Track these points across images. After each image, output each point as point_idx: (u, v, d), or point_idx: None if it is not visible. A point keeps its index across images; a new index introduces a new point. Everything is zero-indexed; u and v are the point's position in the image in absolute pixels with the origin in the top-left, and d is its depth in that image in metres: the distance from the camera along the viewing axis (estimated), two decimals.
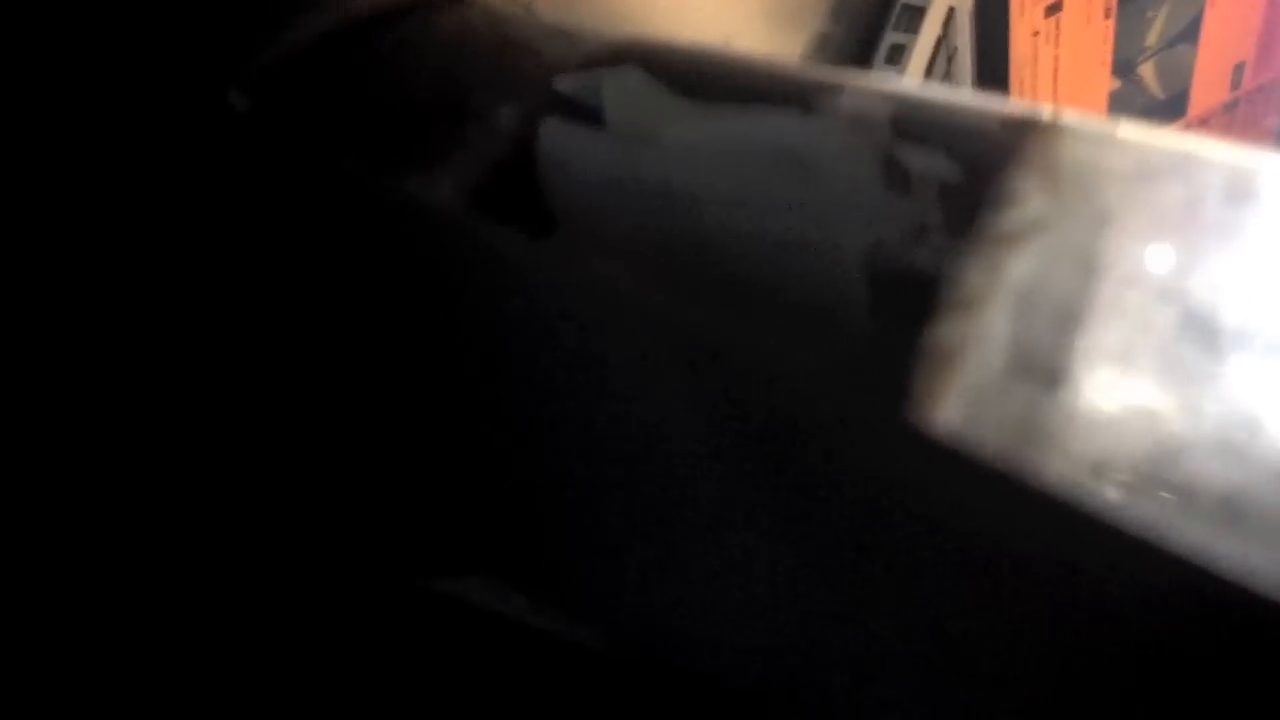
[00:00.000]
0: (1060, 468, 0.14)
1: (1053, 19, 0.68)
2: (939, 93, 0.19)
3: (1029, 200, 0.16)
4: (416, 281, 0.16)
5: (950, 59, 0.62)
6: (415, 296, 0.16)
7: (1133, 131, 0.17)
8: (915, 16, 0.58)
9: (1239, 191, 0.16)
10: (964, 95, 0.18)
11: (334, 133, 0.17)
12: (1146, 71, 0.76)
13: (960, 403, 0.14)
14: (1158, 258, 0.15)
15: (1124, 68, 0.75)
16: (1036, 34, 0.68)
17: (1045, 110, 0.18)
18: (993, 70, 0.67)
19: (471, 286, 0.16)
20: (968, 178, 0.17)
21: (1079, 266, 0.15)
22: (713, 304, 0.16)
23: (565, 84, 0.19)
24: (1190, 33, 0.74)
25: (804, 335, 0.16)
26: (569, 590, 0.17)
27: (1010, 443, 0.14)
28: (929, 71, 0.59)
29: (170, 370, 0.17)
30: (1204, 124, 0.82)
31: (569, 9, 0.39)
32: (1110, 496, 0.14)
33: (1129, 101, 0.77)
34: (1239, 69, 0.79)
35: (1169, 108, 0.79)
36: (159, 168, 0.17)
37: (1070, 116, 0.18)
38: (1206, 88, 0.79)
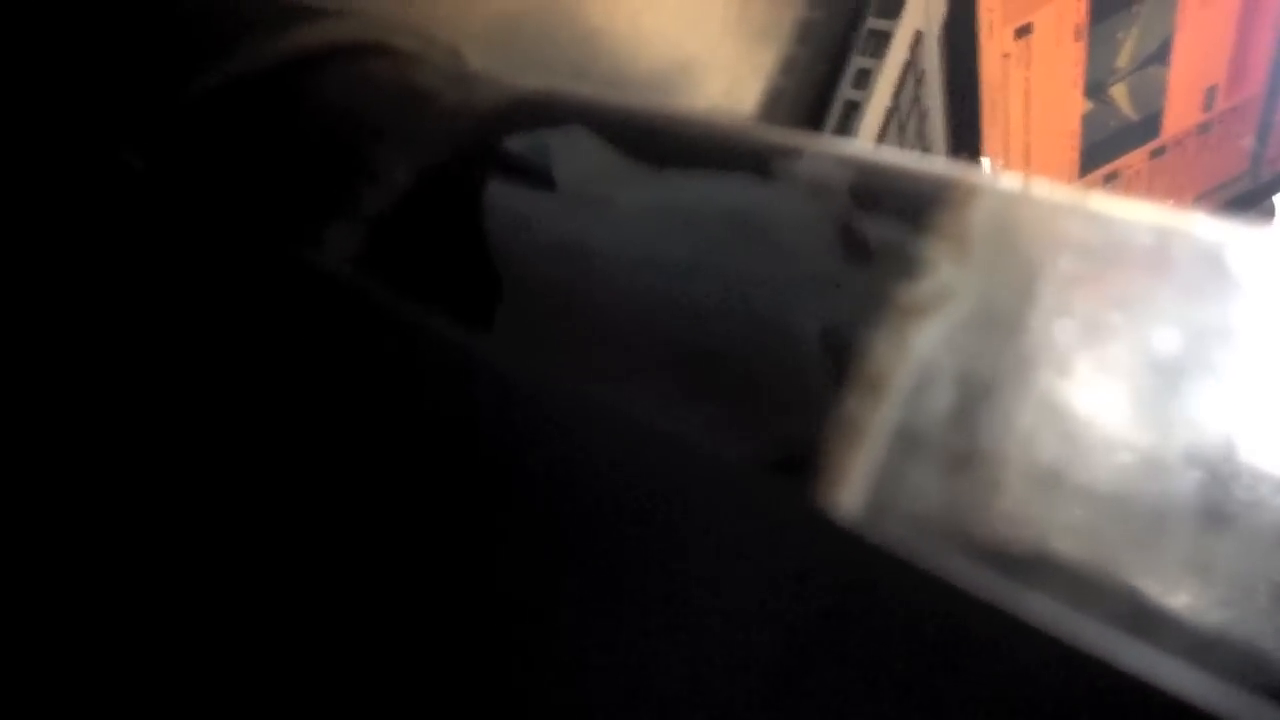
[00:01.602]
0: (960, 557, 0.13)
1: (1023, 41, 0.68)
2: (900, 157, 0.18)
3: (940, 268, 0.15)
4: (316, 350, 0.16)
5: (919, 83, 0.62)
6: (311, 371, 0.16)
7: (1076, 199, 0.17)
8: (882, 40, 0.58)
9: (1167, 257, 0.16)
10: (926, 160, 0.18)
11: (226, 190, 0.16)
12: (1119, 93, 0.76)
13: (864, 485, 0.14)
14: (1070, 327, 0.15)
15: (1096, 89, 0.75)
16: (1007, 56, 0.68)
17: (1008, 176, 0.17)
18: (963, 94, 0.67)
19: (378, 364, 0.16)
20: (919, 246, 0.16)
21: (988, 336, 0.15)
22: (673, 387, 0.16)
23: (514, 144, 0.18)
24: (1162, 54, 0.74)
25: (759, 416, 0.15)
26: None
27: (916, 529, 0.13)
28: (897, 95, 0.59)
29: (53, 443, 0.17)
30: (1178, 145, 0.82)
31: (529, 39, 0.38)
32: (1009, 586, 0.13)
33: (1102, 123, 0.77)
34: (1211, 90, 0.79)
35: (1142, 129, 0.79)
36: (50, 230, 0.16)
37: (1030, 182, 0.17)
38: (1179, 109, 0.79)
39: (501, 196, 0.17)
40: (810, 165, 0.17)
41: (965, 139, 0.69)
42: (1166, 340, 0.15)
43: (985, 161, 0.70)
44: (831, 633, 0.14)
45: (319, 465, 0.16)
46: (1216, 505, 0.14)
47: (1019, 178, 0.17)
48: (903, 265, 0.16)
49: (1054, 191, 0.16)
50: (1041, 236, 0.16)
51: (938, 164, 0.18)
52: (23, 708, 0.16)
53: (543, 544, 0.15)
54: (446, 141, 0.18)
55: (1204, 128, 0.82)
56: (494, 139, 0.18)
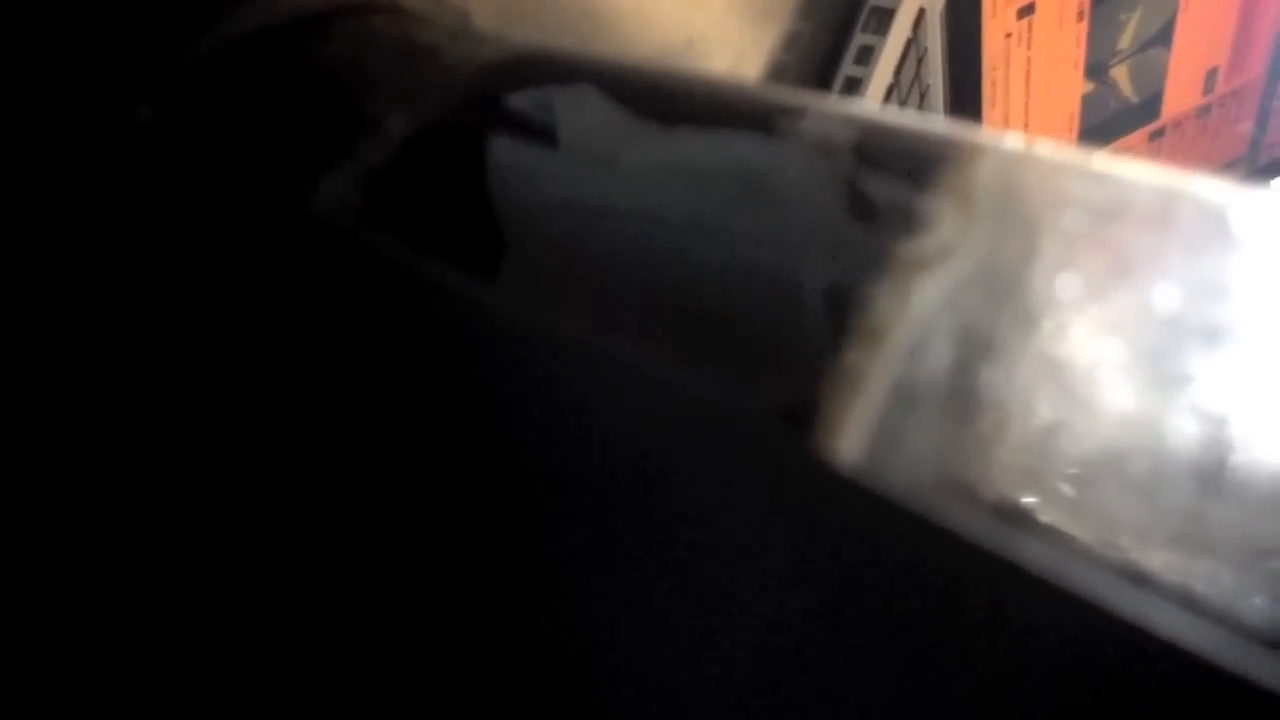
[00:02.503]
0: (968, 506, 0.14)
1: (1025, 21, 0.68)
2: (905, 118, 0.18)
3: (943, 225, 0.15)
4: (313, 299, 0.16)
5: (920, 61, 0.62)
6: (312, 317, 0.16)
7: (1079, 158, 0.17)
8: (885, 18, 0.58)
9: (1167, 217, 0.16)
10: (932, 120, 0.18)
11: (231, 144, 0.16)
12: (1119, 74, 0.76)
13: (865, 436, 0.14)
14: (1071, 284, 0.15)
15: (1097, 70, 0.75)
16: (1009, 36, 0.68)
17: (1011, 136, 0.17)
18: (964, 73, 0.67)
19: (373, 311, 0.16)
20: (922, 203, 0.16)
21: (990, 292, 0.15)
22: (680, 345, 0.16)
23: (517, 101, 0.18)
24: (1164, 36, 0.75)
25: (763, 372, 0.15)
26: None
27: (916, 479, 0.14)
28: (898, 72, 0.59)
29: (62, 393, 0.17)
30: (1177, 128, 0.82)
31: (534, 15, 0.38)
32: (1019, 537, 0.14)
33: (1101, 104, 0.77)
34: (1212, 73, 0.79)
35: (1142, 111, 0.79)
36: (63, 180, 0.17)
37: (1033, 142, 0.17)
38: (1179, 92, 0.79)
39: (506, 153, 0.18)
40: (816, 124, 0.17)
41: (966, 117, 0.69)
42: (1168, 299, 0.15)
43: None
44: (833, 579, 0.14)
45: (317, 412, 0.16)
46: (1213, 466, 0.14)
47: (1022, 138, 0.17)
48: (906, 222, 0.16)
49: (1057, 151, 0.17)
50: (1044, 194, 0.16)
51: (942, 124, 0.18)
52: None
53: (544, 497, 0.15)
54: (445, 94, 0.18)
55: (1204, 111, 0.82)
56: (494, 92, 0.18)
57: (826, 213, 0.16)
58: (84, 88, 0.17)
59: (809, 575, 0.14)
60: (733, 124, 0.17)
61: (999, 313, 0.15)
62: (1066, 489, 0.14)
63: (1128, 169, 0.17)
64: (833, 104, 0.18)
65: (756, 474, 0.14)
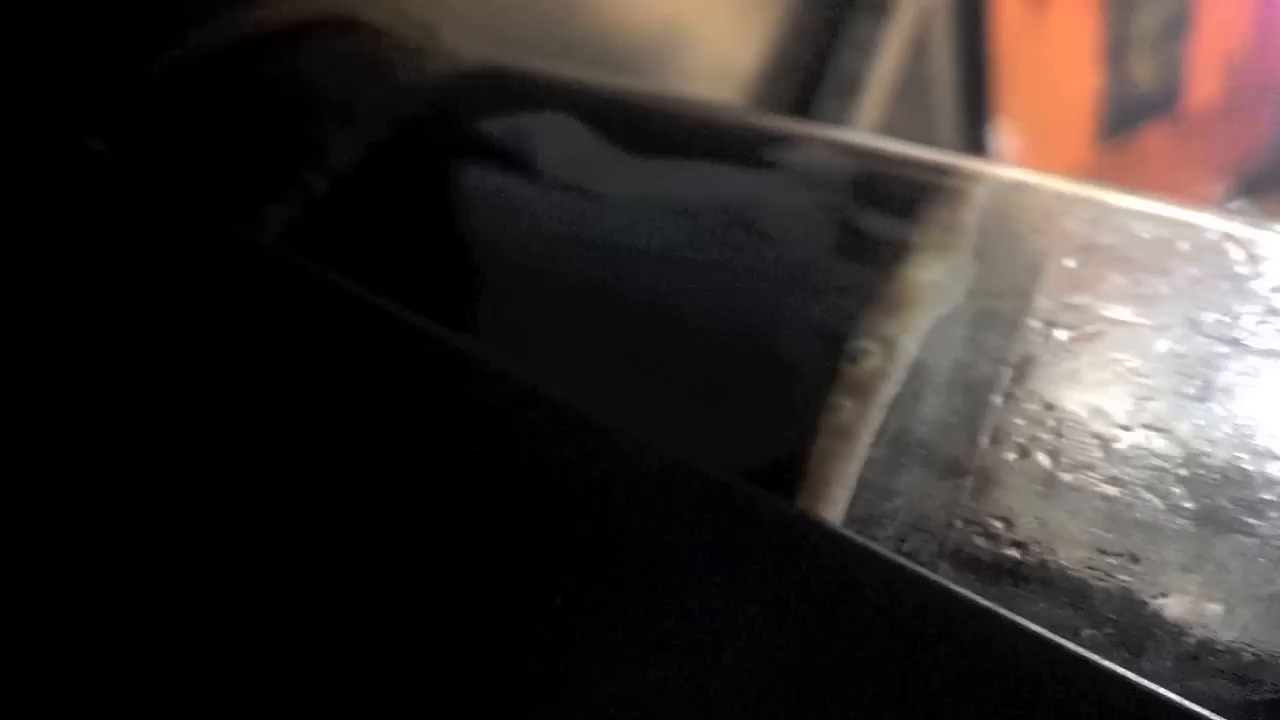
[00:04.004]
0: (952, 563, 0.14)
1: (1039, 8, 0.68)
2: (899, 146, 0.18)
3: (937, 265, 0.15)
4: (260, 331, 0.16)
5: (921, 49, 0.62)
6: (262, 349, 0.16)
7: (1065, 187, 0.17)
8: (882, 7, 0.58)
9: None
10: (925, 149, 0.18)
11: (180, 173, 0.17)
12: (1136, 63, 0.76)
13: (852, 493, 0.14)
14: (1068, 328, 0.15)
15: (1112, 59, 0.75)
16: (1020, 23, 0.68)
17: (1009, 168, 0.18)
18: (972, 63, 0.67)
19: (319, 343, 0.16)
20: (910, 239, 0.16)
21: (984, 336, 0.15)
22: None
23: (486, 126, 0.18)
24: (1182, 24, 0.75)
25: (752, 417, 0.16)
26: None
27: (901, 536, 0.14)
28: (898, 63, 0.59)
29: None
30: (1197, 118, 0.82)
31: (517, 4, 0.38)
32: (999, 591, 0.14)
33: (1117, 95, 0.77)
34: (1232, 62, 0.79)
35: (1159, 101, 0.79)
36: (13, 210, 0.17)
37: (1030, 174, 0.17)
38: (1198, 81, 0.79)
39: (474, 180, 0.18)
40: (804, 153, 0.18)
41: (975, 109, 0.69)
42: (1168, 341, 0.15)
43: (996, 130, 0.70)
44: (821, 639, 0.14)
45: (270, 441, 0.16)
46: (1215, 510, 0.14)
47: (1019, 169, 0.17)
48: (899, 261, 0.16)
49: (1055, 183, 0.17)
50: (1040, 231, 0.16)
51: (937, 153, 0.18)
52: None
53: (516, 558, 0.15)
54: (390, 115, 0.18)
55: (1224, 101, 0.82)
56: (447, 113, 0.18)
57: (815, 248, 0.16)
58: (35, 116, 0.17)
59: (798, 633, 0.14)
60: (717, 153, 0.18)
61: (994, 357, 0.15)
62: (1065, 538, 0.14)
63: (1127, 201, 0.17)
64: (821, 131, 0.18)
65: (742, 534, 0.14)
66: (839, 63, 0.58)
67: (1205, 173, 0.87)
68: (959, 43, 0.67)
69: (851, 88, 0.57)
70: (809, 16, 0.57)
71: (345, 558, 0.16)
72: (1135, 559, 0.14)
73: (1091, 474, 0.14)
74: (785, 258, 0.17)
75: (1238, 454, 0.14)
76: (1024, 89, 0.73)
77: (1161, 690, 0.13)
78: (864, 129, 0.55)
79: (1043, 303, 0.15)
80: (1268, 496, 0.14)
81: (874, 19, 0.58)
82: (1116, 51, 0.75)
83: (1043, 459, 0.14)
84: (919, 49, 0.62)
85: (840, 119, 0.55)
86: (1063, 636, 0.13)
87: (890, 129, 0.59)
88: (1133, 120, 0.81)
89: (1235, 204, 0.85)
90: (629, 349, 0.16)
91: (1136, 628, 0.14)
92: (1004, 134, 0.71)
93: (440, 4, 0.31)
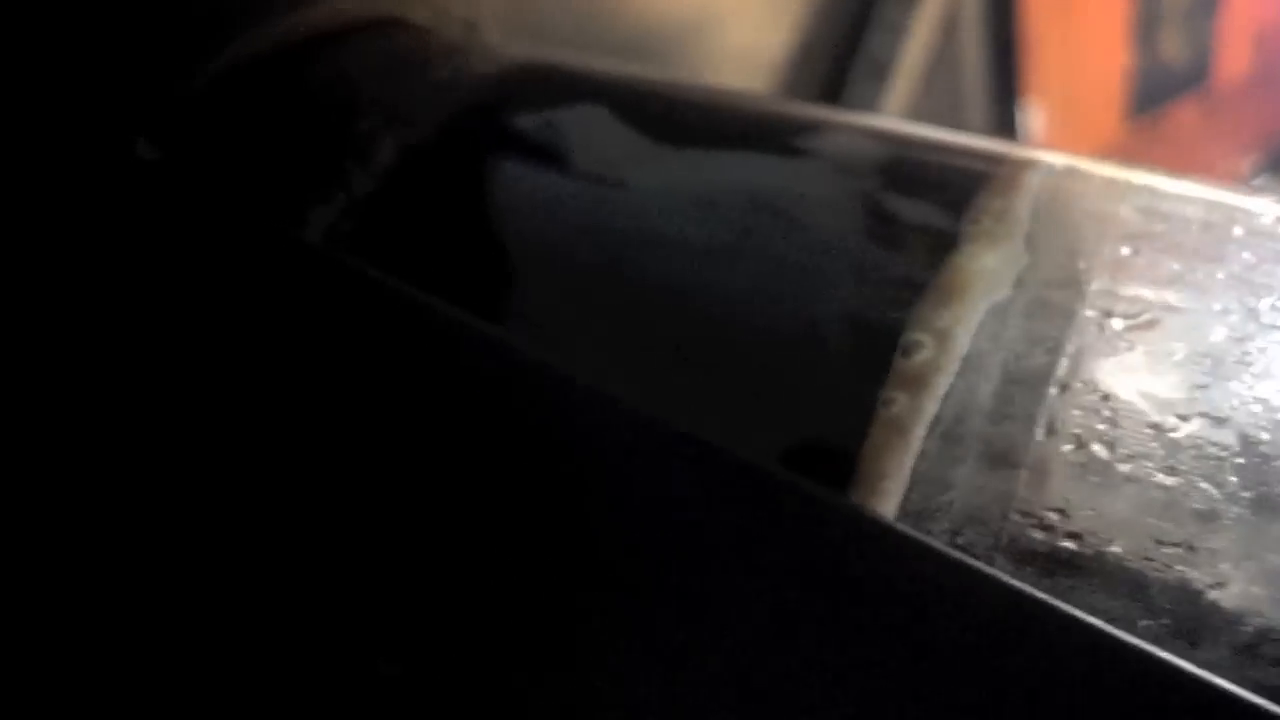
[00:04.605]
0: (1006, 556, 0.14)
1: None
2: (932, 130, 0.18)
3: (981, 252, 0.15)
4: (309, 330, 0.16)
5: (951, 30, 0.61)
6: (311, 348, 0.16)
7: (1117, 173, 0.17)
8: None
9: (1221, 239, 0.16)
10: (960, 133, 0.18)
11: (228, 177, 0.17)
12: (1166, 39, 0.75)
13: (905, 485, 0.14)
14: (1120, 316, 0.15)
15: (1143, 36, 0.74)
16: (1050, 1, 0.67)
17: (1037, 151, 0.17)
18: (1002, 42, 0.66)
19: (368, 342, 0.16)
20: (960, 228, 0.16)
21: (1034, 325, 0.15)
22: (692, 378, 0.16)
23: (521, 121, 0.18)
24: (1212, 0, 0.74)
25: (789, 407, 0.15)
26: None
27: (955, 529, 0.14)
28: (928, 44, 0.58)
29: (64, 421, 0.17)
30: (1228, 92, 0.81)
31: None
32: (1055, 584, 0.14)
33: (1147, 71, 0.76)
34: (1262, 37, 0.78)
35: (1189, 77, 0.78)
36: (65, 217, 0.17)
37: (1058, 157, 0.17)
38: (1228, 56, 0.78)
39: (509, 176, 0.18)
40: (836, 140, 0.17)
41: (1005, 88, 0.68)
42: (1220, 327, 0.15)
43: (1026, 107, 0.69)
44: (874, 637, 0.14)
45: (311, 442, 0.16)
46: (1272, 499, 0.14)
47: (1068, 154, 0.17)
48: (940, 248, 0.16)
49: (1106, 170, 0.16)
50: (1093, 219, 0.16)
51: (974, 138, 0.18)
52: (23, 707, 0.17)
53: (553, 548, 0.15)
54: (431, 118, 0.18)
55: (1254, 76, 0.81)
56: (487, 110, 0.18)
57: (850, 237, 0.16)
58: (85, 123, 0.17)
59: (849, 632, 0.14)
60: (748, 143, 0.17)
61: (1045, 346, 0.15)
62: (1119, 527, 0.14)
63: (1175, 185, 0.16)
64: (854, 118, 0.18)
65: (783, 526, 0.14)
66: (869, 46, 0.58)
67: (1235, 148, 0.86)
68: (989, 22, 0.66)
69: (882, 70, 0.56)
70: (839, 1, 0.56)
71: (381, 554, 0.16)
72: (1192, 549, 0.14)
73: (1148, 464, 0.14)
74: (830, 248, 0.16)
75: None
76: (1054, 67, 0.72)
77: (1219, 680, 0.13)
78: (894, 111, 0.55)
79: (1096, 291, 0.15)
80: None
81: (904, 2, 0.57)
82: (1147, 28, 0.74)
83: (1099, 449, 0.14)
84: (949, 29, 0.61)
85: (871, 102, 0.54)
86: (1119, 628, 0.13)
87: (921, 110, 0.58)
88: (1163, 97, 0.80)
89: (1263, 178, 0.84)
90: (672, 342, 0.16)
91: (1193, 618, 0.14)
92: (1034, 112, 0.70)
93: (472, 7, 0.31)
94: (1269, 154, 0.86)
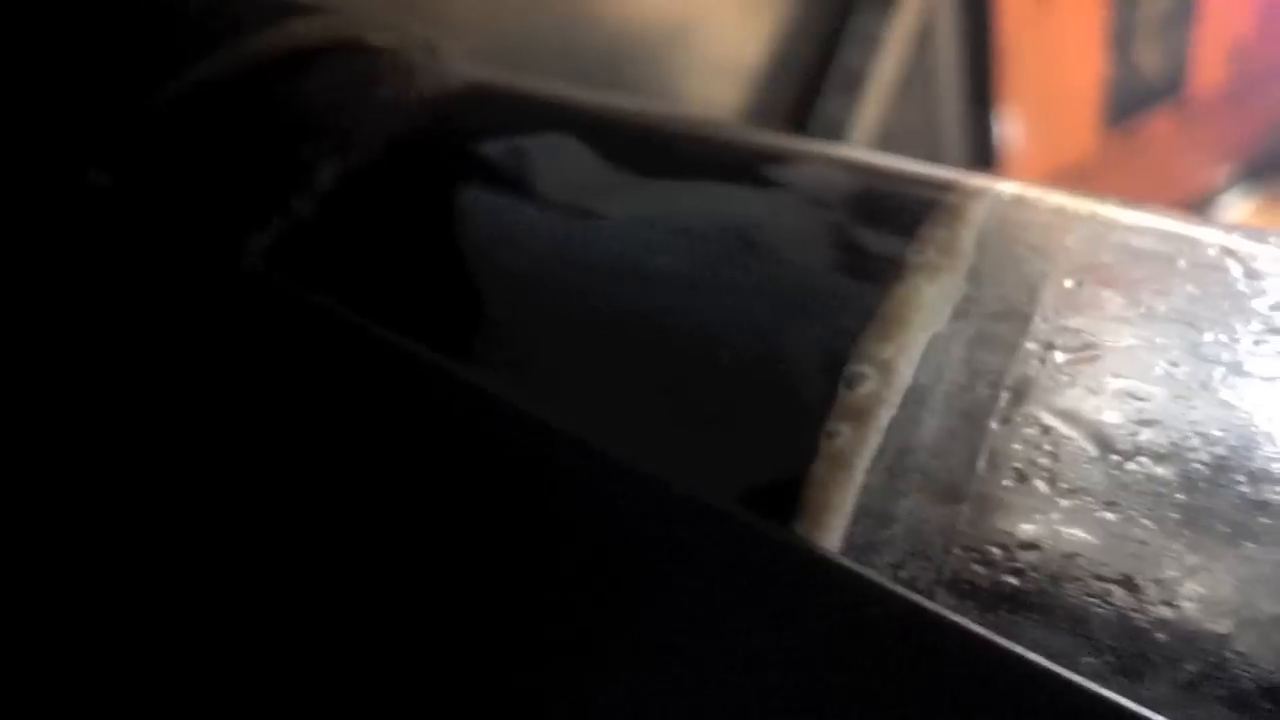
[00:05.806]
0: (950, 591, 0.13)
1: None
2: (898, 161, 0.18)
3: (938, 282, 0.15)
4: (247, 360, 0.16)
5: (926, 42, 0.61)
6: (251, 379, 0.16)
7: (1066, 201, 0.17)
8: (888, 1, 0.58)
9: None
10: (926, 165, 0.18)
11: (175, 205, 0.16)
12: (1142, 50, 0.75)
13: (851, 519, 0.14)
14: (1071, 346, 0.15)
15: (1118, 46, 0.74)
16: (1025, 10, 0.67)
17: (988, 180, 0.17)
18: (978, 51, 0.66)
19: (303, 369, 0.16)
20: (905, 258, 0.16)
21: (984, 355, 0.15)
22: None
23: (492, 149, 0.18)
24: (1188, 11, 0.74)
25: (753, 442, 0.15)
26: None
27: (899, 563, 0.14)
28: (903, 55, 0.58)
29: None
30: (1202, 104, 0.81)
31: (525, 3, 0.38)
32: (1001, 620, 0.13)
33: (1122, 81, 0.76)
34: (1237, 48, 0.78)
35: (1165, 88, 0.79)
36: (13, 244, 0.17)
37: (1008, 186, 0.17)
38: (1203, 67, 0.78)
39: (449, 198, 0.17)
40: (806, 172, 0.17)
41: (981, 97, 0.68)
42: (1166, 363, 0.15)
43: (1001, 117, 0.69)
44: (820, 669, 0.14)
45: (245, 471, 0.16)
46: (1213, 535, 0.14)
47: (1019, 183, 0.17)
48: (895, 281, 0.16)
49: (1054, 199, 0.16)
50: (1039, 250, 0.16)
51: (938, 169, 0.18)
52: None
53: (509, 593, 0.15)
54: (369, 142, 0.18)
55: (1229, 87, 0.81)
56: (435, 132, 0.18)
57: (818, 268, 0.16)
58: (37, 150, 0.17)
59: (797, 664, 0.14)
60: (718, 173, 0.17)
61: (994, 376, 0.15)
62: (1067, 558, 0.14)
63: (1127, 215, 0.16)
64: (823, 149, 0.18)
65: (740, 563, 0.14)
66: (844, 57, 0.58)
67: (1210, 158, 0.86)
68: (964, 31, 0.66)
69: (857, 82, 0.56)
70: (814, 12, 0.56)
71: (340, 583, 0.16)
72: (1134, 585, 0.14)
73: (1089, 498, 0.14)
74: (787, 279, 0.16)
75: (1236, 478, 0.14)
76: (1030, 76, 0.72)
77: (1162, 718, 0.12)
78: (870, 122, 0.55)
79: (1040, 324, 0.15)
80: (1266, 521, 0.14)
81: (878, 14, 0.57)
82: (1122, 38, 0.74)
83: (1040, 484, 0.14)
84: (924, 39, 0.61)
85: (845, 114, 0.54)
86: (1062, 665, 0.13)
87: (896, 120, 0.58)
88: (1138, 107, 0.80)
89: (1239, 188, 0.84)
90: (629, 373, 0.16)
91: (1136, 654, 0.14)
92: (1009, 122, 0.70)
93: (449, 14, 0.31)
94: (1243, 164, 0.87)
